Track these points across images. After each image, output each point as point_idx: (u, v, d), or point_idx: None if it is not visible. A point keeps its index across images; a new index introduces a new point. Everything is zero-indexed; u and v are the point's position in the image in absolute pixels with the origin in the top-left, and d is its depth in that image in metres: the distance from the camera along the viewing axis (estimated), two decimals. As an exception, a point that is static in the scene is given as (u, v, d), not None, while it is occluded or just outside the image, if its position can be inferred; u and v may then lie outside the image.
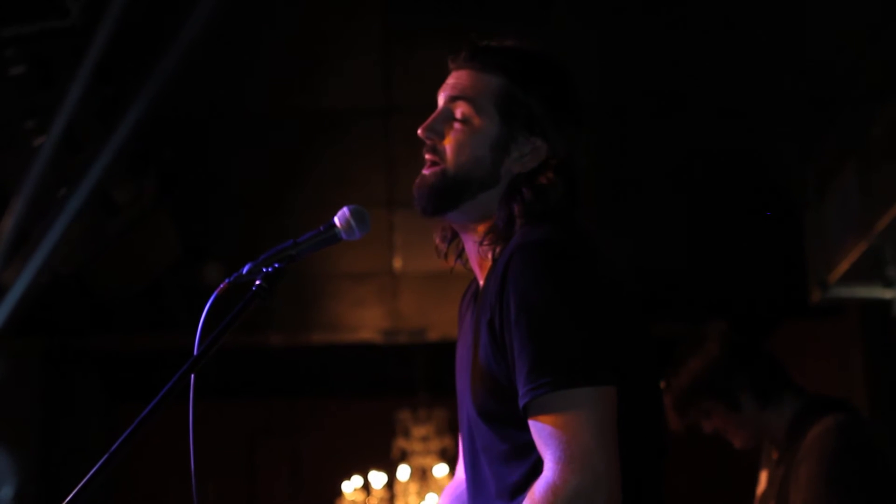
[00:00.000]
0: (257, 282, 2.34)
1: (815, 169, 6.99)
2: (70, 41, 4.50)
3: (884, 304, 7.03)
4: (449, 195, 2.44)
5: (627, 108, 6.57)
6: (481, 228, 2.46)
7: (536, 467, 2.23)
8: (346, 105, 6.57)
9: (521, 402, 2.21)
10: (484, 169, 2.43)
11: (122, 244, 5.77)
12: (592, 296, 2.26)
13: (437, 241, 2.61)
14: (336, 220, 2.42)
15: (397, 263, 8.59)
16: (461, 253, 2.59)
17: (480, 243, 2.44)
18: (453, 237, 2.58)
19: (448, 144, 2.45)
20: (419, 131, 2.48)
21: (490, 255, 2.42)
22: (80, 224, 4.66)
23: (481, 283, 2.48)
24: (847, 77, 6.09)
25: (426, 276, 8.89)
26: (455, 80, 2.50)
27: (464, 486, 2.66)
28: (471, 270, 2.56)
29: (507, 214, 2.40)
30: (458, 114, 2.46)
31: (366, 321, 9.88)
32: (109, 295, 7.38)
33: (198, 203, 7.38)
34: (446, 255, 2.61)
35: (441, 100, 2.51)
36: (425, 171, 2.48)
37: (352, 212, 2.42)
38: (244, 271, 2.36)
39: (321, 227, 2.43)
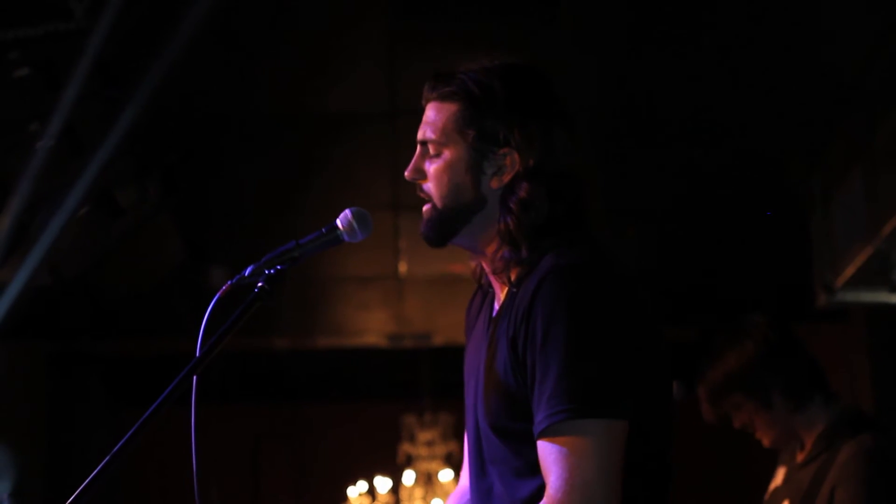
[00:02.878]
0: (259, 283, 2.35)
1: (821, 174, 6.98)
2: (74, 43, 4.51)
3: (890, 309, 7.02)
4: (445, 226, 2.50)
5: (630, 115, 6.56)
6: (489, 249, 2.50)
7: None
8: (351, 108, 6.56)
9: (539, 426, 2.24)
10: (467, 194, 2.48)
11: (126, 247, 5.77)
12: (619, 325, 2.29)
13: (472, 266, 2.66)
14: (338, 221, 2.45)
15: (403, 267, 8.59)
16: (483, 273, 2.63)
17: (492, 268, 2.49)
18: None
19: (430, 182, 2.51)
20: (406, 174, 2.55)
21: (507, 279, 2.45)
22: (84, 227, 4.65)
23: (500, 295, 2.51)
24: (853, 82, 6.09)
25: (431, 280, 8.89)
26: (425, 116, 2.56)
27: (468, 496, 2.68)
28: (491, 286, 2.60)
29: (506, 233, 2.44)
30: (431, 150, 2.52)
31: (371, 325, 9.89)
32: (113, 298, 7.38)
33: (203, 206, 7.38)
34: (482, 283, 2.65)
35: (417, 139, 2.56)
36: (423, 209, 2.55)
37: (354, 214, 2.44)
38: (246, 273, 2.38)
39: (323, 229, 2.45)
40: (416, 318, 9.70)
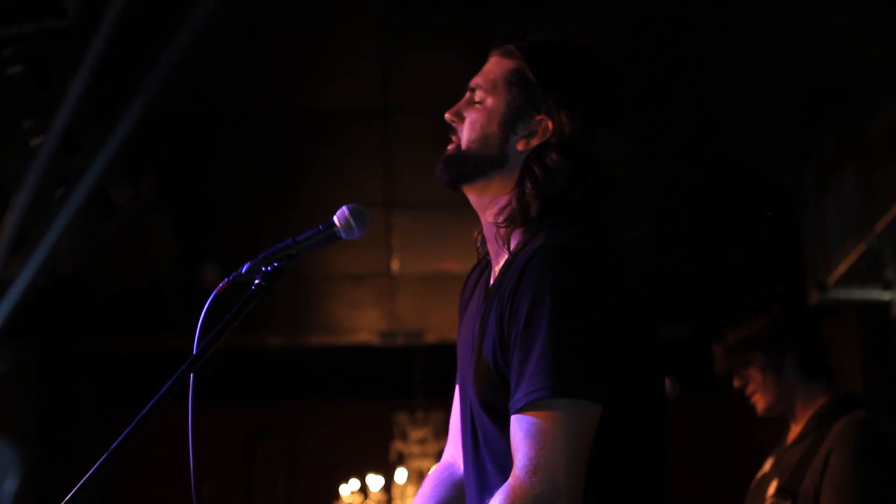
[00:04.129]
0: (256, 281, 2.36)
1: (813, 170, 6.99)
2: (68, 41, 4.50)
3: (882, 306, 7.03)
4: (462, 167, 2.52)
5: (623, 113, 6.55)
6: (496, 208, 2.51)
7: None
8: (344, 106, 6.57)
9: (516, 404, 2.24)
10: (492, 146, 2.51)
11: (119, 245, 5.76)
12: (602, 309, 2.29)
13: (475, 235, 2.67)
14: (335, 219, 2.45)
15: (395, 265, 8.59)
16: (484, 242, 2.63)
17: (497, 225, 2.49)
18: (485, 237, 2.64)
19: (465, 124, 2.55)
20: (446, 115, 2.58)
21: (506, 242, 2.47)
22: (78, 224, 4.65)
23: (496, 269, 2.53)
24: (846, 78, 6.10)
25: (424, 278, 8.89)
26: (484, 66, 2.60)
27: (450, 469, 2.72)
28: (487, 256, 2.62)
29: (521, 193, 2.46)
30: (476, 97, 2.56)
31: (363, 323, 9.89)
32: (106, 296, 7.37)
33: (196, 203, 7.38)
34: (483, 255, 2.66)
35: (470, 84, 2.61)
36: (447, 148, 2.57)
37: (351, 211, 2.44)
38: (243, 270, 2.37)
39: (320, 226, 2.45)
40: (408, 316, 9.71)
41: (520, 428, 2.23)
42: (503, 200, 2.50)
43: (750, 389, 4.04)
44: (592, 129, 2.49)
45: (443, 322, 9.53)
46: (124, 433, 2.14)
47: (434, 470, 2.79)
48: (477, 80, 2.57)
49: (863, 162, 6.16)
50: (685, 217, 7.90)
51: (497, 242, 2.51)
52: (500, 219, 2.49)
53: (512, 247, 2.45)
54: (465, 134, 2.53)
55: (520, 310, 2.28)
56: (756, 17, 5.66)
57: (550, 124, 2.48)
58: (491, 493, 2.34)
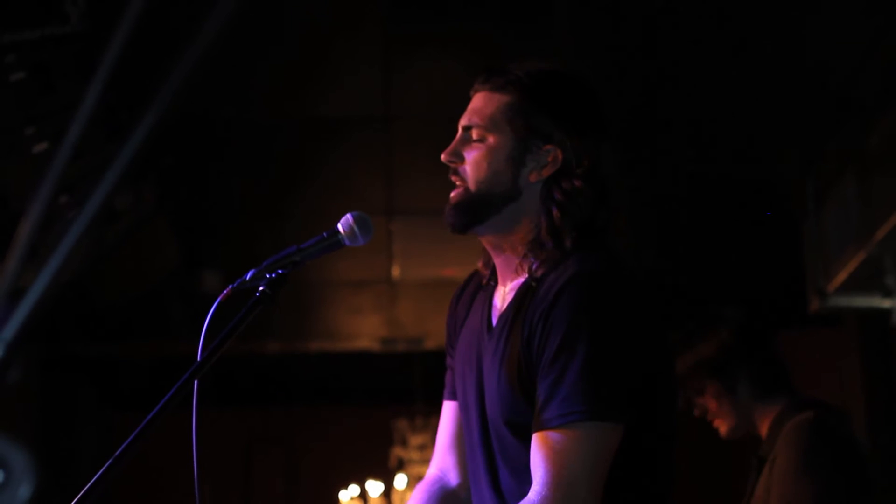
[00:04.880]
0: (261, 288, 2.36)
1: (814, 178, 6.99)
2: (70, 47, 4.51)
3: (882, 314, 7.03)
4: (474, 211, 2.52)
5: (623, 120, 6.56)
6: (513, 241, 2.53)
7: None
8: (345, 113, 6.57)
9: (549, 423, 2.30)
10: (504, 182, 2.51)
11: (120, 251, 5.76)
12: (635, 334, 2.36)
13: (480, 265, 2.68)
14: (339, 226, 2.45)
15: (395, 272, 8.59)
16: (488, 266, 2.65)
17: (527, 256, 2.50)
18: (490, 258, 2.64)
19: (468, 165, 2.54)
20: (442, 157, 2.57)
21: (529, 271, 2.48)
22: (82, 232, 4.65)
23: (504, 294, 2.54)
24: (846, 87, 6.10)
25: (424, 285, 8.89)
26: (472, 104, 2.59)
27: (440, 483, 2.72)
28: (493, 279, 2.62)
29: (549, 222, 2.48)
30: (474, 135, 2.55)
31: (364, 329, 9.88)
32: (107, 302, 7.37)
33: (197, 210, 7.38)
34: (487, 281, 2.66)
35: (460, 125, 2.59)
36: (451, 194, 2.56)
37: (355, 218, 2.45)
38: (247, 277, 2.37)
39: (324, 234, 2.45)
40: (408, 323, 9.69)
41: (546, 445, 2.29)
42: (521, 230, 2.51)
43: (710, 416, 4.00)
44: (599, 152, 2.52)
45: (443, 329, 9.48)
46: (128, 440, 2.14)
47: (423, 483, 2.78)
48: (472, 119, 2.56)
49: (863, 170, 6.17)
50: (685, 225, 7.90)
51: (516, 270, 2.53)
52: (529, 247, 2.50)
53: (535, 272, 2.47)
54: (471, 175, 2.53)
55: (553, 333, 2.33)
56: (757, 27, 5.67)
57: (560, 153, 2.49)
58: None
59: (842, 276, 6.63)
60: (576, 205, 2.47)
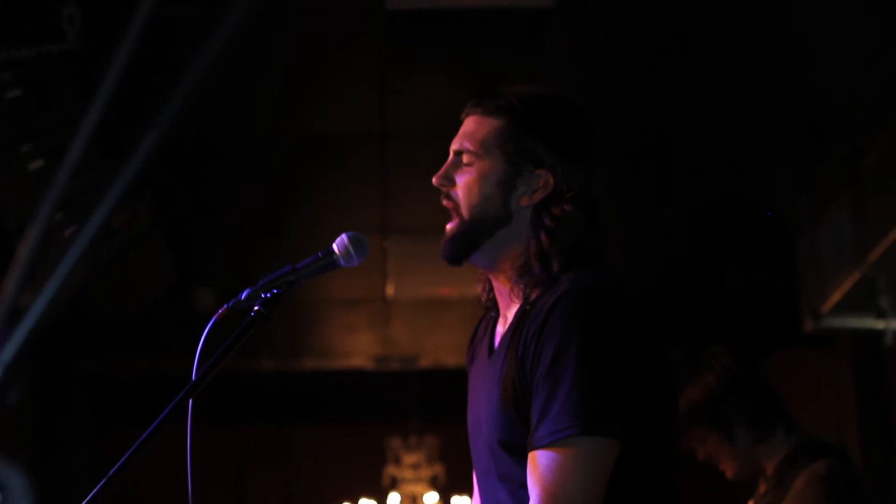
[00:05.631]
0: (256, 307, 2.36)
1: (808, 198, 7.00)
2: (66, 65, 4.51)
3: (876, 335, 7.03)
4: (469, 238, 2.52)
5: (617, 140, 6.58)
6: (507, 266, 2.52)
7: None
8: (341, 131, 6.58)
9: (541, 441, 2.28)
10: (494, 207, 2.51)
11: (116, 268, 5.76)
12: (628, 351, 2.34)
13: (479, 291, 2.67)
14: (335, 246, 2.45)
15: (390, 290, 8.59)
16: (490, 293, 2.65)
17: (518, 281, 2.50)
18: (491, 288, 2.63)
19: (459, 189, 2.54)
20: (433, 180, 2.57)
21: (522, 296, 2.48)
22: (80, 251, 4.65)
23: (507, 320, 2.54)
24: (841, 107, 6.11)
25: (418, 303, 8.89)
26: (463, 128, 2.59)
27: None
28: (494, 309, 2.62)
29: (538, 247, 2.47)
30: (465, 160, 2.55)
31: (358, 347, 9.87)
32: (102, 319, 7.36)
33: (193, 228, 7.38)
34: (487, 307, 2.66)
35: (452, 148, 2.59)
36: (448, 226, 2.56)
37: (350, 239, 2.45)
38: (243, 297, 2.38)
39: (319, 254, 2.46)
40: (402, 341, 9.70)
41: (540, 463, 2.28)
42: (514, 255, 2.51)
43: (714, 462, 3.96)
44: (590, 176, 2.52)
45: (437, 347, 9.52)
46: (123, 458, 2.15)
47: None
48: (463, 143, 2.56)
49: (857, 190, 6.18)
50: (680, 244, 7.91)
51: (510, 296, 2.53)
52: (518, 273, 2.50)
53: (529, 296, 2.46)
54: (464, 200, 2.53)
55: (545, 349, 2.32)
56: (753, 48, 5.68)
57: (551, 178, 2.49)
58: None
59: (836, 297, 6.64)
60: (565, 230, 2.46)
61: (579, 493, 2.25)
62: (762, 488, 3.93)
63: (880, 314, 6.61)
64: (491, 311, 2.64)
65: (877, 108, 5.84)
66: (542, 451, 2.28)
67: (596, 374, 2.29)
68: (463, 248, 2.52)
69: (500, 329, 2.56)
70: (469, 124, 2.58)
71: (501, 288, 2.56)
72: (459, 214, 2.53)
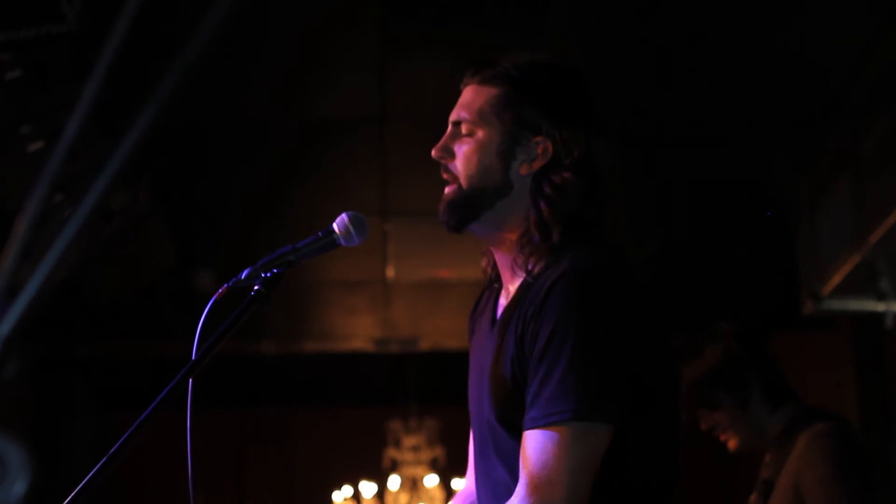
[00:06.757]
0: (256, 287, 2.35)
1: (808, 182, 7.00)
2: (66, 47, 4.50)
3: (876, 317, 7.03)
4: (468, 207, 2.51)
5: (615, 123, 6.57)
6: (509, 237, 2.51)
7: None
8: (341, 114, 6.58)
9: (534, 422, 2.28)
10: (494, 176, 2.49)
11: (115, 251, 5.76)
12: (626, 333, 2.33)
13: (483, 264, 2.66)
14: (335, 226, 2.44)
15: (390, 272, 8.59)
16: (493, 268, 2.63)
17: (520, 252, 2.48)
18: (495, 260, 2.62)
19: (458, 161, 2.52)
20: (433, 153, 2.55)
21: (524, 268, 2.46)
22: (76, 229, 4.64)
23: (509, 293, 2.52)
24: (840, 91, 6.11)
25: (419, 286, 8.89)
26: (461, 98, 2.58)
27: (471, 498, 2.71)
28: (497, 281, 2.61)
29: (538, 216, 2.45)
30: (463, 130, 2.53)
31: (358, 330, 9.88)
32: (101, 301, 7.36)
33: (192, 210, 7.38)
34: (491, 281, 2.65)
35: (450, 120, 2.58)
36: (445, 191, 2.55)
37: (351, 218, 2.44)
38: (242, 276, 2.37)
39: (320, 233, 2.44)
40: (402, 324, 9.70)
41: (530, 445, 2.27)
42: (516, 225, 2.48)
43: (718, 431, 3.96)
44: (590, 144, 2.49)
45: (437, 329, 9.53)
46: (122, 439, 2.14)
47: (457, 496, 2.80)
48: (461, 114, 2.54)
49: (857, 173, 6.18)
50: (679, 228, 7.91)
51: (512, 268, 2.51)
52: (519, 243, 2.47)
53: (531, 268, 2.44)
54: (462, 170, 2.51)
55: (543, 329, 2.31)
56: (750, 32, 5.67)
57: (550, 145, 2.47)
58: None
59: (836, 280, 6.64)
60: (565, 198, 2.44)
61: (566, 476, 2.23)
62: (767, 458, 3.94)
63: (880, 297, 6.61)
64: (494, 283, 2.62)
65: (875, 91, 5.83)
66: (534, 431, 2.27)
67: (592, 357, 2.27)
68: (463, 217, 2.51)
69: (503, 301, 2.54)
70: (467, 94, 2.56)
71: (504, 259, 2.54)
72: (458, 185, 2.52)
